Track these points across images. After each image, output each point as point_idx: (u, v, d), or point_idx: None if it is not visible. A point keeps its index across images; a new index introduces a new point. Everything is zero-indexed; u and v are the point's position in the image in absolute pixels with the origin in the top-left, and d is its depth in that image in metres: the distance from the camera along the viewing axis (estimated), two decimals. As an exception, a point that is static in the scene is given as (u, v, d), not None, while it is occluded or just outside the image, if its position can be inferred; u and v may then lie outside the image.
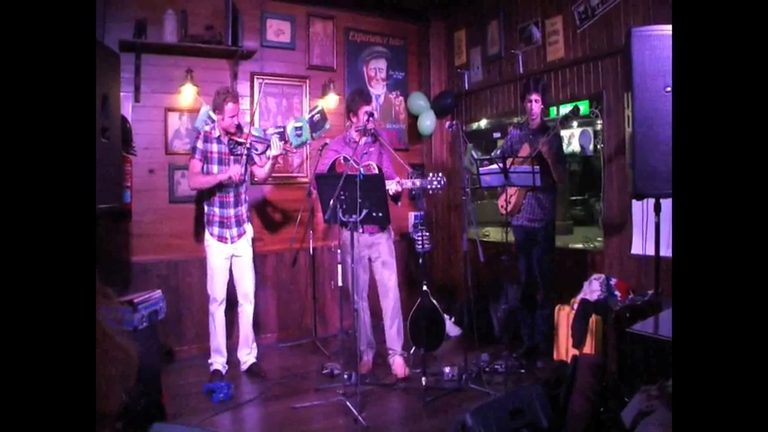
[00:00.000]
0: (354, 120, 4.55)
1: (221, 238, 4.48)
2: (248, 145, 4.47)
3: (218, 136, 4.48)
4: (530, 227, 4.60)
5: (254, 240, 4.74)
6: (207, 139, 4.47)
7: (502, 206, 4.67)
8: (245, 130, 4.57)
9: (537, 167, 4.17)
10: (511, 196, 4.60)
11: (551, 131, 4.33)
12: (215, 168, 4.46)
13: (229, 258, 4.53)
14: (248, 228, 4.64)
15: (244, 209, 4.59)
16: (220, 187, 4.44)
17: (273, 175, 4.89)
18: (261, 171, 4.63)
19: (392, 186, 4.26)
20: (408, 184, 4.36)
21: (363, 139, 4.48)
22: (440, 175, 4.30)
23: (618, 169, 4.62)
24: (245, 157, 4.48)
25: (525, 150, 4.54)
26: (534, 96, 4.52)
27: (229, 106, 4.38)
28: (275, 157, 4.55)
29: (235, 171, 4.38)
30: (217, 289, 4.50)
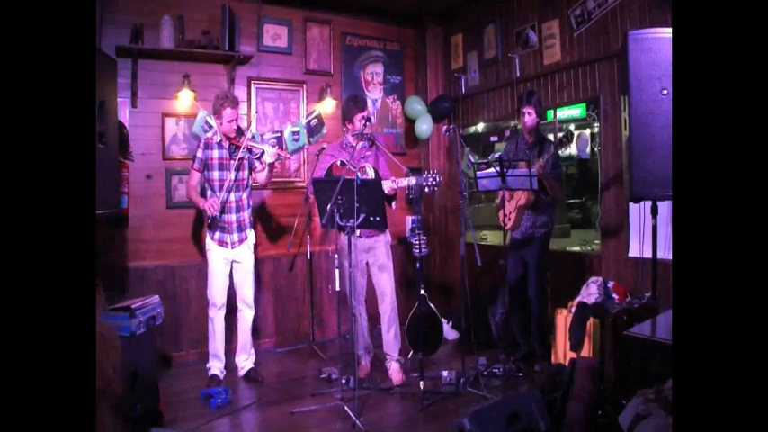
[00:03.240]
0: (350, 126, 4.57)
1: (222, 243, 4.47)
2: (245, 148, 4.46)
3: (220, 141, 4.48)
4: (526, 236, 4.62)
5: (256, 246, 4.73)
6: (207, 146, 4.47)
7: (502, 221, 4.65)
8: (247, 135, 4.57)
9: (534, 170, 4.18)
10: (511, 213, 4.60)
11: (546, 154, 4.32)
12: (215, 174, 4.46)
13: (230, 263, 4.53)
14: (250, 234, 4.62)
15: (246, 215, 4.57)
16: (222, 175, 4.44)
17: (271, 179, 4.89)
18: (260, 176, 4.63)
19: (387, 185, 4.26)
20: (404, 182, 4.36)
21: (360, 143, 4.48)
22: (435, 171, 4.30)
23: (615, 172, 4.63)
24: (246, 161, 4.48)
25: (523, 167, 4.53)
26: (527, 109, 4.54)
27: (227, 111, 4.37)
28: (271, 165, 4.54)
29: (210, 204, 4.35)
30: (216, 294, 4.49)
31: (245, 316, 4.64)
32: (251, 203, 4.66)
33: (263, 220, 5.70)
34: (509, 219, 4.59)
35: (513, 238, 4.67)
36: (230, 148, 4.48)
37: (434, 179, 4.25)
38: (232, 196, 4.47)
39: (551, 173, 4.38)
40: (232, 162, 4.46)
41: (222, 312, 4.53)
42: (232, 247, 4.49)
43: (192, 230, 5.24)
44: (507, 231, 4.55)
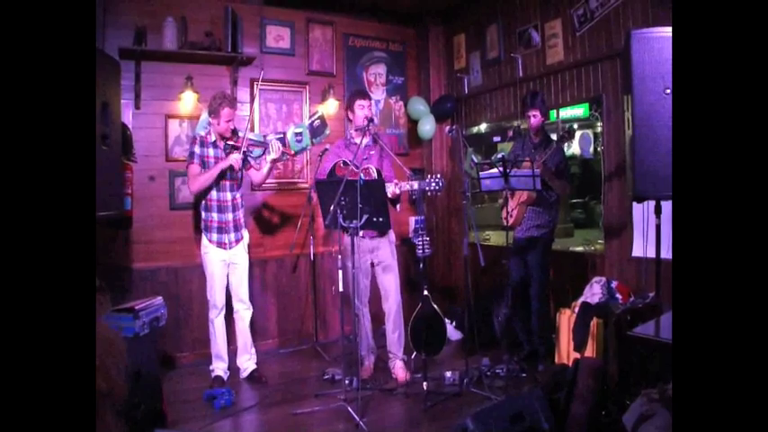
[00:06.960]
0: (352, 117, 4.57)
1: (220, 244, 4.46)
2: (245, 149, 4.45)
3: (214, 141, 4.47)
4: (528, 236, 4.61)
5: (250, 246, 4.73)
6: (203, 144, 4.46)
7: (504, 218, 4.66)
8: (241, 134, 4.55)
9: (538, 171, 4.17)
10: (513, 210, 4.60)
11: (548, 151, 4.33)
12: None
13: (227, 265, 4.52)
14: (245, 233, 4.63)
15: (240, 214, 4.57)
16: (220, 179, 4.38)
17: (274, 180, 4.88)
18: (257, 175, 4.62)
19: (390, 188, 4.26)
20: (407, 186, 4.36)
21: (364, 141, 4.46)
22: (438, 176, 4.30)
23: (618, 172, 4.62)
24: (241, 161, 4.47)
25: (527, 166, 4.54)
26: (532, 112, 4.55)
27: (225, 111, 4.36)
28: (274, 162, 4.53)
29: (235, 158, 4.34)
30: (217, 296, 4.48)
31: (243, 316, 4.64)
32: (243, 204, 4.66)
33: (266, 220, 5.71)
34: (511, 216, 4.59)
35: (515, 239, 4.66)
36: (226, 148, 4.47)
37: (437, 184, 4.25)
38: (228, 195, 4.46)
39: (554, 169, 4.36)
40: None
41: (222, 314, 4.53)
42: (230, 247, 4.48)
43: (195, 232, 5.24)
44: (509, 229, 4.54)
